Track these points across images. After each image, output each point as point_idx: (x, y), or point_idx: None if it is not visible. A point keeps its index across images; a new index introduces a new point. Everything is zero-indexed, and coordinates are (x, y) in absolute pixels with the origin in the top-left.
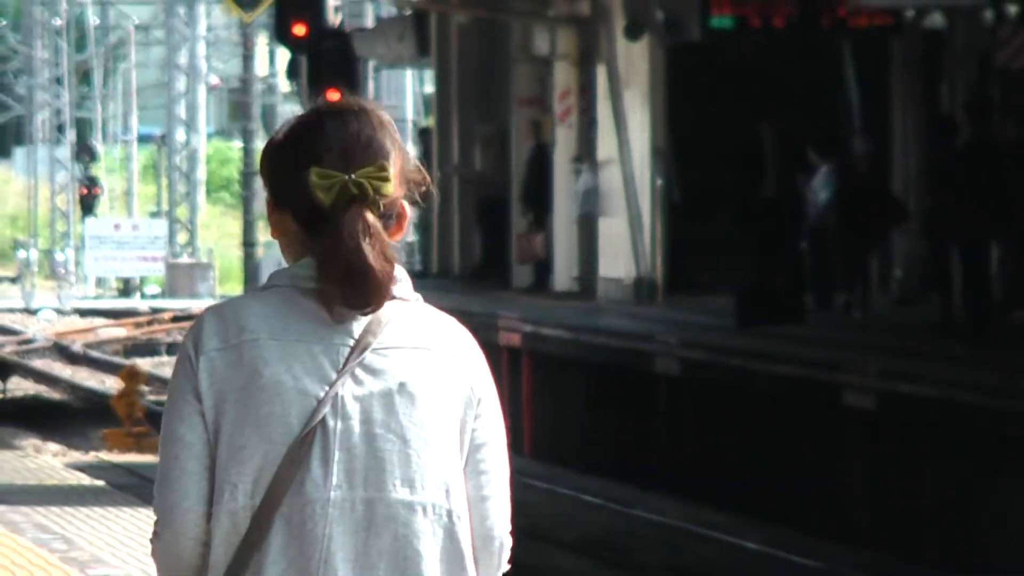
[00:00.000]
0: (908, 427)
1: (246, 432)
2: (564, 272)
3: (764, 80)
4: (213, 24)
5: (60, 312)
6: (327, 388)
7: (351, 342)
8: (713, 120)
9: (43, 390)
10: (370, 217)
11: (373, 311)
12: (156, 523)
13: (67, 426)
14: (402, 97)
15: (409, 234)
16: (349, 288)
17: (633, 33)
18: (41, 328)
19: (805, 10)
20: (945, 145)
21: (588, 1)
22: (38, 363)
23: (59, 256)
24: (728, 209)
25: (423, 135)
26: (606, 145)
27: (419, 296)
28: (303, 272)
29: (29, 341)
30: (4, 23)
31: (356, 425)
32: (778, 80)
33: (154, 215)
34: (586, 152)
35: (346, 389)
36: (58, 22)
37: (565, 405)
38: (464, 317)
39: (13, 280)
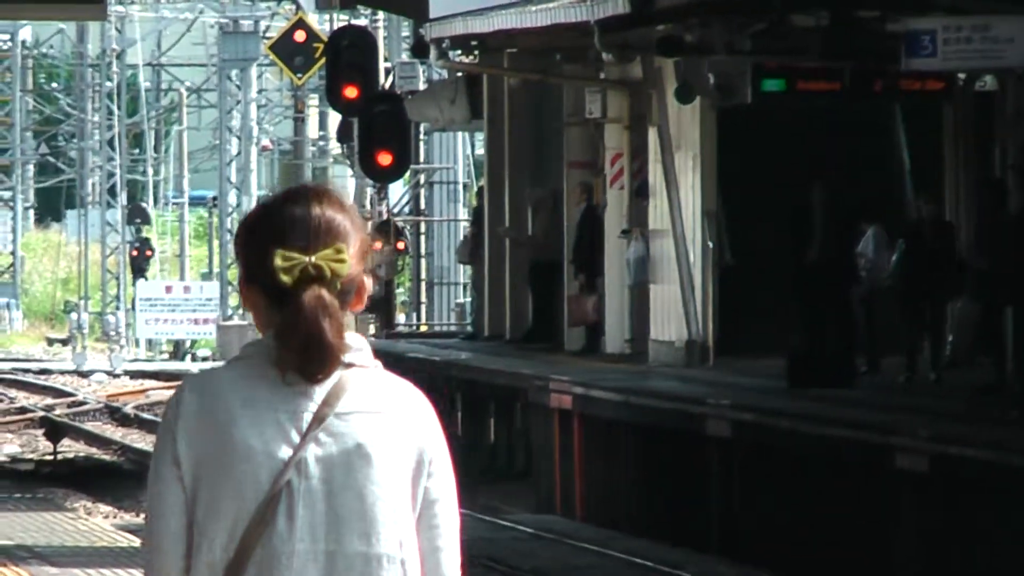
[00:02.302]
0: (961, 490)
1: (221, 493)
2: (616, 335)
3: (815, 143)
4: (265, 87)
5: (111, 374)
6: (292, 451)
7: (314, 408)
8: (764, 183)
9: (94, 452)
10: (327, 296)
11: (323, 380)
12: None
13: (118, 488)
14: (453, 160)
15: (461, 295)
16: (306, 360)
17: (684, 96)
18: (92, 390)
19: (857, 73)
20: (996, 208)
21: (639, 64)
22: (89, 425)
23: (110, 318)
24: (779, 271)
25: (479, 194)
26: (657, 208)
27: (378, 363)
28: (271, 344)
29: (81, 403)
30: (57, 86)
31: (318, 484)
32: (829, 143)
33: (205, 277)
34: (636, 216)
35: (309, 452)
36: (110, 85)
37: (617, 468)
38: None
39: (65, 342)
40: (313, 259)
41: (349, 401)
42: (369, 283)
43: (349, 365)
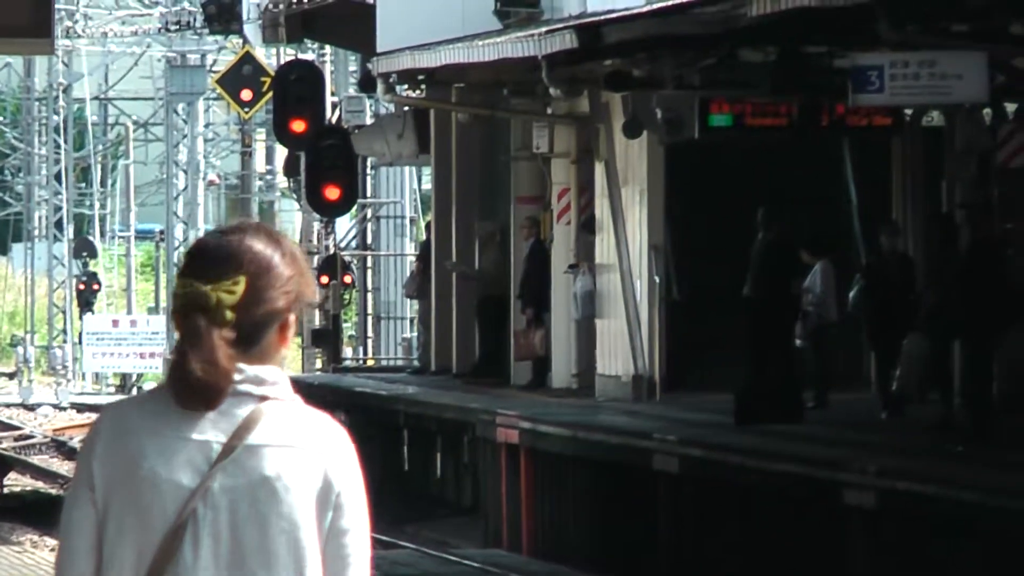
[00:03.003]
0: (910, 525)
1: (129, 518)
2: (563, 369)
3: (763, 178)
4: (212, 120)
5: (58, 408)
6: (199, 480)
7: (223, 439)
8: (711, 218)
9: (41, 485)
10: (203, 325)
11: (207, 410)
12: None
13: None
14: (401, 194)
15: (408, 330)
16: (181, 389)
17: (632, 131)
18: (39, 424)
19: (804, 109)
20: (945, 243)
21: (587, 99)
22: (36, 459)
23: (57, 352)
24: (726, 307)
25: (428, 229)
26: (604, 243)
27: (296, 397)
28: None
29: (27, 436)
30: (3, 120)
31: (223, 515)
32: (777, 178)
33: (152, 311)
34: (583, 251)
35: (216, 483)
36: (57, 119)
37: (564, 502)
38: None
39: (11, 376)
40: (202, 287)
41: (260, 434)
42: (293, 320)
43: (264, 398)
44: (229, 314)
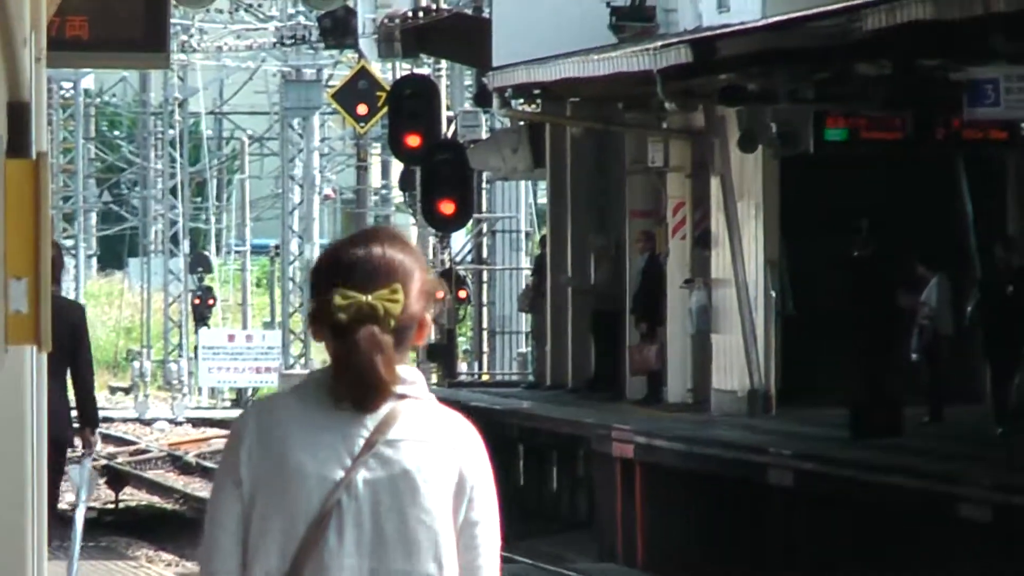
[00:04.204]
0: (1022, 539)
1: (276, 511)
2: (678, 384)
3: (877, 192)
4: (327, 135)
5: (173, 422)
6: (344, 473)
7: (366, 434)
8: (826, 232)
9: (156, 500)
10: (379, 334)
11: (374, 410)
12: None
13: (180, 536)
14: (516, 209)
15: (523, 345)
16: (358, 392)
17: (747, 145)
18: (155, 438)
19: (919, 122)
20: None
21: (702, 113)
22: (152, 473)
23: (173, 366)
24: (841, 321)
25: (543, 243)
26: (719, 257)
27: (432, 396)
28: (330, 374)
29: (143, 451)
30: (119, 134)
31: (366, 506)
32: (892, 192)
33: (267, 326)
34: (698, 265)
35: (359, 475)
36: (172, 133)
37: (678, 516)
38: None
39: (127, 391)
40: (369, 298)
41: (399, 430)
42: (430, 319)
43: (402, 396)
44: (393, 323)
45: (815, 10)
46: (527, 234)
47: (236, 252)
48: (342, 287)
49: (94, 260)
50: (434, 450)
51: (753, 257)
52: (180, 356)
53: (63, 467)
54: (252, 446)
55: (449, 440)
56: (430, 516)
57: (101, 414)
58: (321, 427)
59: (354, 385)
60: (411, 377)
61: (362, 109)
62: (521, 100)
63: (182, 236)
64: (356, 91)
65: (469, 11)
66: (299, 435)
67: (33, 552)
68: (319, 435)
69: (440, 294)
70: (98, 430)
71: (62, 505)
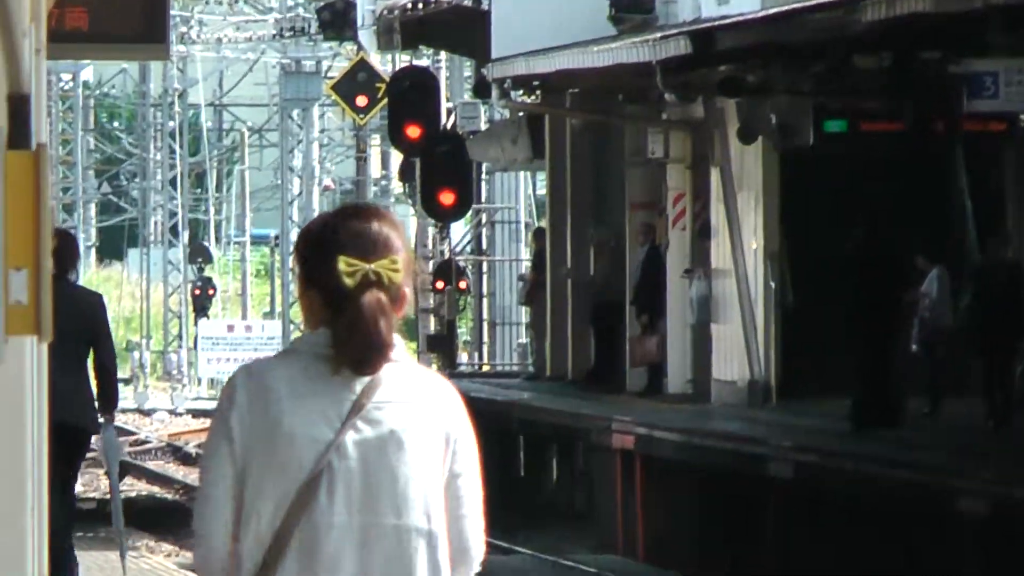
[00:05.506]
0: (1021, 532)
1: (269, 471)
2: (678, 375)
3: (877, 184)
4: (326, 126)
5: (173, 413)
6: (333, 435)
7: (353, 398)
8: (825, 223)
9: (156, 491)
10: (384, 299)
11: (373, 372)
12: (194, 542)
13: (180, 527)
14: (515, 200)
15: (523, 336)
16: (364, 355)
17: (746, 136)
18: (154, 429)
19: (919, 114)
20: None
21: (701, 105)
22: (152, 464)
23: (172, 357)
24: (841, 312)
25: (537, 236)
26: (719, 248)
27: (411, 359)
28: (320, 340)
29: (143, 442)
30: (119, 126)
31: (355, 465)
32: (891, 184)
33: (267, 316)
34: (698, 256)
35: (348, 436)
36: (172, 125)
37: (678, 508)
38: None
39: (127, 381)
40: (373, 266)
41: (384, 392)
42: (410, 293)
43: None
44: (395, 290)
45: (814, 2)
46: (527, 225)
47: (235, 243)
48: (351, 255)
49: (93, 251)
50: (419, 410)
51: (753, 248)
52: (180, 347)
53: (84, 455)
54: (243, 411)
55: (432, 400)
56: (418, 472)
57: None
58: (310, 391)
59: (360, 348)
60: (394, 341)
61: (361, 100)
62: (520, 91)
63: (181, 227)
64: (355, 83)
65: (468, 2)
66: (289, 400)
67: (33, 545)
68: (309, 400)
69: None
70: (115, 410)
71: (92, 492)
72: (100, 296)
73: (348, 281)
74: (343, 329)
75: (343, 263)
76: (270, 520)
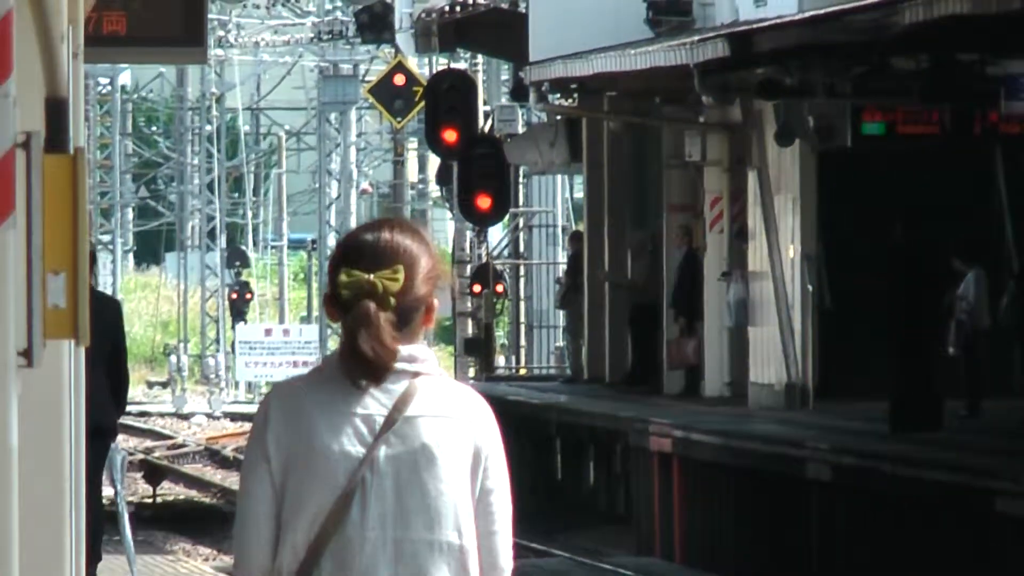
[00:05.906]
0: None
1: (306, 488)
2: (716, 377)
3: (915, 186)
4: (364, 130)
5: (211, 417)
6: (366, 451)
7: (385, 412)
8: (863, 226)
9: (194, 494)
10: (373, 309)
11: (372, 386)
12: (234, 559)
13: (217, 530)
14: (553, 203)
15: (560, 339)
16: (356, 366)
17: (784, 139)
18: (192, 433)
19: (957, 116)
20: None
21: (739, 107)
22: (189, 468)
23: (210, 361)
24: (878, 314)
25: (574, 239)
26: (757, 251)
27: (443, 372)
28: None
29: (180, 445)
30: (156, 130)
31: (388, 480)
32: (929, 186)
33: (304, 320)
34: (736, 259)
35: (381, 452)
36: (209, 129)
37: (716, 510)
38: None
39: (164, 385)
40: (370, 277)
41: (416, 406)
42: (437, 303)
43: (416, 374)
44: (392, 300)
45: (852, 4)
46: (564, 228)
47: (273, 247)
48: (350, 268)
49: (131, 255)
50: (450, 424)
51: (790, 251)
52: (217, 351)
53: (107, 456)
54: (279, 430)
55: (464, 414)
56: (449, 487)
57: (138, 408)
58: (342, 407)
59: (351, 358)
60: (422, 355)
61: (399, 104)
62: (558, 94)
63: (219, 231)
64: (393, 86)
65: (506, 5)
66: (322, 417)
67: (71, 546)
68: (341, 416)
69: (448, 281)
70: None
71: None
72: (119, 302)
73: (345, 293)
74: (342, 340)
75: (343, 275)
76: (305, 534)
